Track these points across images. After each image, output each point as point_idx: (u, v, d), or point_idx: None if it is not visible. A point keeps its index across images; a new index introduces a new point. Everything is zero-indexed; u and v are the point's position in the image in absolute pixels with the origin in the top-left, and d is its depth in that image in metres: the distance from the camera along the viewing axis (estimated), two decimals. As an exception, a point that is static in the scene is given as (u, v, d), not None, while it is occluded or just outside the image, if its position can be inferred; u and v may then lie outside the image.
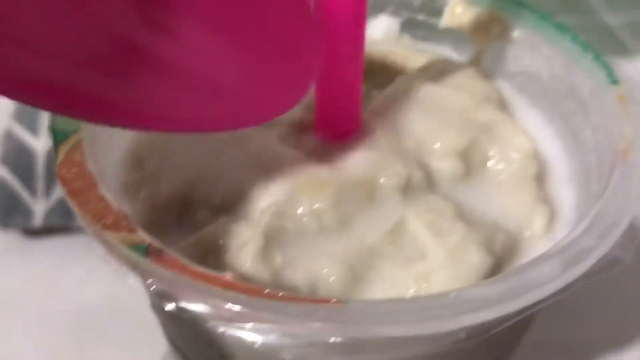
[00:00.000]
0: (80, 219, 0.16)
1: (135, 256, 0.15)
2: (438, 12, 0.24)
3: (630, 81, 0.21)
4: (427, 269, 0.17)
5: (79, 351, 0.31)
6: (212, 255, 0.17)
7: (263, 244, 0.17)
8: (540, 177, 0.21)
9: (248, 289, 0.14)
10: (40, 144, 0.36)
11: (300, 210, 0.17)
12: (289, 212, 0.17)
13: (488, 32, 0.23)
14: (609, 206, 0.16)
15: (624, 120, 0.18)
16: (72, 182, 0.16)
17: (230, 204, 0.18)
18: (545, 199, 0.20)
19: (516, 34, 0.23)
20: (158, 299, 0.15)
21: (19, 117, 0.37)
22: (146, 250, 0.15)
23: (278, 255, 0.17)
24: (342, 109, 0.19)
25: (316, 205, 0.17)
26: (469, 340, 0.14)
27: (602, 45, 0.59)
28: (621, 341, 0.31)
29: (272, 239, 0.17)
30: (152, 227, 0.18)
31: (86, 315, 0.32)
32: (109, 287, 0.35)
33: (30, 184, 0.36)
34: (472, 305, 0.14)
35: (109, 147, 0.20)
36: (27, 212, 0.36)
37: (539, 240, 0.19)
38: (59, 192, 0.34)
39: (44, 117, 0.37)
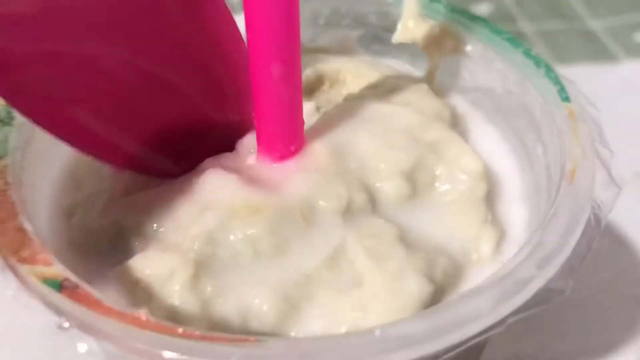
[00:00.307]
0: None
1: (48, 291, 0.14)
2: (393, 26, 0.24)
3: (587, 95, 0.20)
4: (364, 298, 0.16)
5: None
6: (140, 285, 0.16)
7: (193, 272, 0.16)
8: (492, 196, 0.20)
9: (162, 327, 0.13)
10: None
11: (232, 237, 0.16)
12: (221, 238, 0.16)
13: (441, 46, 0.22)
14: (549, 233, 0.15)
15: (572, 139, 0.18)
16: (-9, 210, 0.16)
17: (163, 232, 0.17)
18: (493, 220, 0.19)
19: (470, 48, 0.22)
20: (70, 339, 0.14)
21: None
22: (60, 285, 0.14)
23: (208, 285, 0.16)
24: (282, 129, 0.18)
25: (250, 231, 0.16)
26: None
27: (586, 50, 0.59)
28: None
29: (203, 267, 0.16)
30: (87, 251, 0.18)
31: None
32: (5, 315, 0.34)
33: None
34: (398, 344, 0.13)
35: (46, 169, 0.19)
36: None
37: (487, 263, 0.18)
38: None
39: None
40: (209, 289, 0.16)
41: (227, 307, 0.16)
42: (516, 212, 0.20)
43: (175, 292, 0.16)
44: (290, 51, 0.16)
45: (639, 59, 0.58)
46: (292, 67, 0.17)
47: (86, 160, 0.19)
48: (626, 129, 0.50)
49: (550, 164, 0.19)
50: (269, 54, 0.16)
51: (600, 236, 0.16)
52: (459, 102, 0.23)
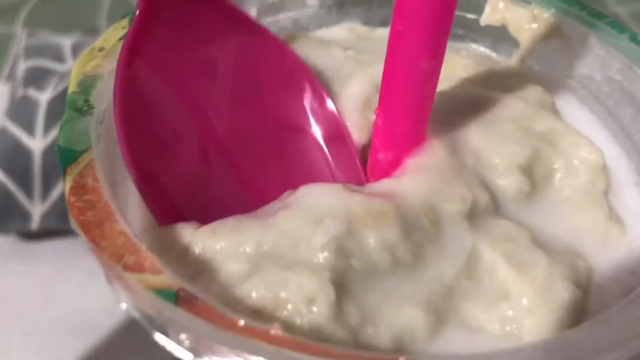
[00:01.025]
0: (96, 257, 0.14)
1: (163, 304, 0.13)
2: (475, 8, 0.22)
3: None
4: (515, 311, 0.15)
5: (79, 357, 0.31)
6: (263, 311, 0.14)
7: (334, 295, 0.14)
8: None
9: (299, 345, 0.12)
10: (36, 143, 0.36)
11: (368, 242, 0.15)
12: (353, 246, 0.15)
13: (534, 30, 0.21)
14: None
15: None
16: (85, 212, 0.14)
17: (270, 250, 0.15)
18: (617, 216, 0.18)
19: (566, 32, 0.21)
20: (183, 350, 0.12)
21: (12, 115, 0.38)
22: (176, 297, 0.13)
23: (353, 309, 0.14)
24: (413, 127, 0.17)
25: (385, 236, 0.15)
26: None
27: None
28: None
29: (342, 286, 0.15)
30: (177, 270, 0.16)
31: (87, 320, 0.33)
32: (109, 291, 0.35)
33: (26, 185, 0.36)
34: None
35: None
36: (23, 216, 0.36)
37: (617, 260, 0.17)
38: (56, 193, 0.35)
39: (40, 115, 0.38)
40: (356, 315, 0.14)
41: (379, 335, 0.14)
42: (630, 201, 0.19)
43: (321, 324, 0.14)
44: (442, 45, 0.15)
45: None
46: (440, 62, 0.15)
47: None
48: None
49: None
50: (422, 47, 0.15)
51: None
52: (553, 88, 0.22)
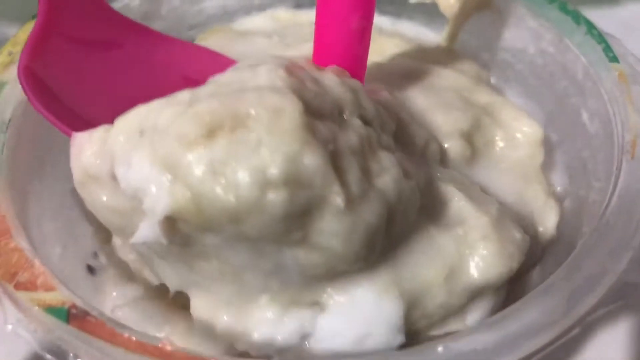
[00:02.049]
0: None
1: (54, 322, 0.12)
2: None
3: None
4: (470, 235, 0.14)
5: None
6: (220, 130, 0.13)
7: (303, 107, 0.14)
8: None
9: (191, 357, 0.11)
10: None
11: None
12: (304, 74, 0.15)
13: (462, 5, 0.20)
14: (617, 219, 0.13)
15: (628, 105, 0.16)
16: (-20, 228, 0.14)
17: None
18: (554, 193, 0.18)
19: (496, 4, 0.20)
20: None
21: None
22: (67, 314, 0.12)
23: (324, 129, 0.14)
24: None
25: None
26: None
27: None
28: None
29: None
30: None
31: None
32: None
33: None
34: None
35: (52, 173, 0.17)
36: None
37: (550, 240, 0.17)
38: None
39: None
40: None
41: None
42: (558, 182, 0.18)
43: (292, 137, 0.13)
44: (370, 3, 0.15)
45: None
46: (370, 22, 0.15)
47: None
48: None
49: (600, 132, 0.17)
50: (350, 6, 0.14)
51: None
52: (483, 63, 0.21)
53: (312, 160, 0.12)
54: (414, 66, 0.18)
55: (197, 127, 0.13)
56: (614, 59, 0.17)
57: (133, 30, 0.19)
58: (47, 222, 0.16)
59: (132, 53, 0.19)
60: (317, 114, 0.13)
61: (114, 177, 0.13)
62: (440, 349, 0.11)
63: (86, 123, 0.15)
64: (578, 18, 0.19)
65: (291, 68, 0.14)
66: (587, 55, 0.18)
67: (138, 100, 0.14)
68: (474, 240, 0.14)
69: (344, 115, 0.14)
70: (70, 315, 0.12)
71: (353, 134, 0.14)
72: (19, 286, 0.13)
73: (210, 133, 0.13)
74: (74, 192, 0.15)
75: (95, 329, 0.12)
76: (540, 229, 0.17)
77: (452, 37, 0.21)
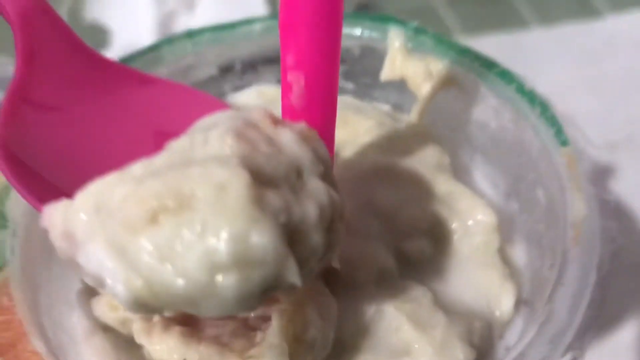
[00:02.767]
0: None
1: None
2: (380, 62, 0.23)
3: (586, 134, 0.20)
4: None
5: None
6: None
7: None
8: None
9: None
10: None
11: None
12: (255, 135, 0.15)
13: (430, 84, 0.22)
14: (559, 307, 0.15)
15: (575, 192, 0.18)
16: (1, 334, 0.16)
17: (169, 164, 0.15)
18: (512, 273, 0.20)
19: (461, 83, 0.22)
20: None
21: None
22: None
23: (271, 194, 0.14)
24: None
25: None
26: None
27: (570, 7, 0.59)
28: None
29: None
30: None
31: None
32: None
33: None
34: None
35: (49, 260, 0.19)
36: None
37: (508, 319, 0.18)
38: None
39: None
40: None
41: None
42: (518, 255, 0.20)
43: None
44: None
45: (623, 13, 0.58)
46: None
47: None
48: (617, 89, 0.50)
49: (552, 210, 0.19)
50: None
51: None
52: (451, 139, 0.23)
53: (261, 238, 0.12)
54: (380, 162, 0.20)
55: (142, 212, 0.13)
56: (565, 142, 0.19)
57: (114, 76, 0.19)
58: (57, 310, 0.18)
59: (110, 105, 0.19)
60: (268, 181, 0.13)
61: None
62: None
63: (62, 193, 0.15)
64: (534, 100, 0.20)
65: (242, 130, 0.14)
66: (541, 136, 0.20)
67: (113, 160, 0.15)
68: None
69: (302, 177, 0.14)
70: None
71: (310, 201, 0.13)
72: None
73: (154, 217, 0.13)
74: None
75: None
76: (497, 314, 0.18)
77: (422, 112, 0.22)
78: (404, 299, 0.17)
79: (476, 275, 0.19)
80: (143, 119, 0.19)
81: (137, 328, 0.17)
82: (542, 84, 0.52)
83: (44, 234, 0.18)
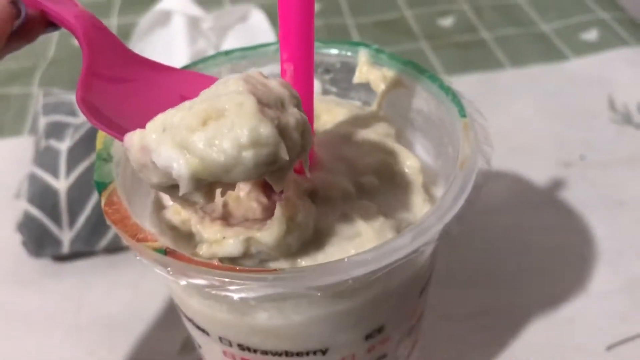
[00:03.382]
0: (122, 237, 0.26)
1: (159, 256, 0.24)
2: (353, 71, 0.34)
3: (479, 110, 0.30)
4: (362, 242, 0.26)
5: (110, 350, 0.40)
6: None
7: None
8: (428, 182, 0.31)
9: (228, 268, 0.24)
10: (61, 184, 0.43)
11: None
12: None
13: (385, 84, 0.33)
14: (447, 199, 0.26)
15: (465, 143, 0.28)
16: (114, 215, 0.26)
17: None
18: (429, 199, 0.30)
19: (405, 84, 0.33)
20: (175, 280, 0.24)
21: (39, 163, 0.45)
22: (165, 252, 0.24)
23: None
24: None
25: None
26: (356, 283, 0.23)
27: (539, 51, 0.70)
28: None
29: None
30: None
31: (112, 321, 0.41)
32: (128, 298, 0.44)
33: (56, 218, 0.43)
34: (357, 264, 0.23)
35: (137, 189, 0.30)
36: (56, 242, 0.43)
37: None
38: (80, 222, 0.43)
39: (62, 161, 0.44)
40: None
41: None
42: (439, 190, 0.31)
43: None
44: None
45: (584, 56, 0.69)
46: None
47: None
48: (574, 116, 0.60)
49: (455, 158, 0.29)
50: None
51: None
52: (400, 121, 0.33)
53: (265, 130, 0.20)
54: (349, 130, 0.31)
55: (196, 120, 0.20)
56: (463, 115, 0.29)
57: (147, 67, 0.26)
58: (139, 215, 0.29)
59: (148, 83, 0.25)
60: (265, 104, 0.21)
61: (153, 163, 0.21)
62: (346, 259, 0.23)
63: (126, 130, 0.22)
64: (448, 91, 0.31)
65: (247, 78, 0.22)
66: (450, 113, 0.30)
67: (157, 113, 0.22)
68: (363, 244, 0.25)
69: (284, 105, 0.22)
70: (167, 252, 0.24)
71: (290, 116, 0.21)
72: (138, 240, 0.25)
73: (204, 122, 0.20)
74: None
75: (179, 257, 0.24)
76: (418, 218, 0.28)
77: (379, 104, 0.33)
78: (357, 207, 0.28)
79: (407, 199, 0.29)
80: (174, 88, 0.26)
81: (194, 222, 0.28)
82: (512, 113, 0.62)
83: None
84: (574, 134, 0.59)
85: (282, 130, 0.21)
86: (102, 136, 0.29)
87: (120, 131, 0.23)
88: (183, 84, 0.26)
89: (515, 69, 0.67)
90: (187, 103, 0.21)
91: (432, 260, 0.30)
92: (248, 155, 0.20)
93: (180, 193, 0.21)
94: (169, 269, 0.24)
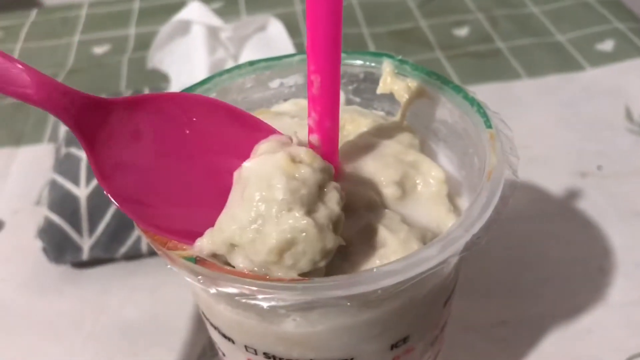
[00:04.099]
0: (152, 246, 0.26)
1: (189, 263, 0.25)
2: (377, 82, 0.34)
3: (504, 120, 0.31)
4: (387, 253, 0.26)
5: (129, 356, 0.40)
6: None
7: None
8: (452, 193, 0.31)
9: (258, 277, 0.24)
10: (81, 191, 0.44)
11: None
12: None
13: (409, 94, 0.33)
14: (474, 210, 0.26)
15: (491, 153, 0.28)
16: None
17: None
18: (455, 209, 0.30)
19: (429, 94, 0.33)
20: (206, 288, 0.24)
21: (60, 170, 0.46)
22: (195, 260, 0.25)
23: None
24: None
25: None
26: (384, 293, 0.23)
27: (555, 62, 0.70)
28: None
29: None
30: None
31: (131, 327, 0.42)
32: (147, 304, 0.45)
33: (76, 225, 0.43)
34: (385, 275, 0.24)
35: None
36: (75, 249, 0.44)
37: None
38: (100, 229, 0.44)
39: (82, 168, 0.45)
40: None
41: None
42: (463, 200, 0.31)
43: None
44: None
45: (601, 66, 0.69)
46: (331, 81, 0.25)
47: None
48: (590, 126, 0.60)
49: (481, 168, 0.29)
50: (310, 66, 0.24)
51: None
52: (423, 132, 0.34)
53: (329, 243, 0.24)
54: (372, 140, 0.31)
55: (273, 256, 0.23)
56: (489, 126, 0.30)
57: (156, 108, 0.23)
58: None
59: (165, 130, 0.23)
60: (313, 202, 0.24)
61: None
62: (375, 270, 0.24)
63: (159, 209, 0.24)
64: (473, 102, 0.31)
65: (289, 170, 0.24)
66: (476, 125, 0.30)
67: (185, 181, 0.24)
68: (388, 254, 0.25)
69: (324, 189, 0.25)
70: (197, 260, 0.25)
71: (331, 204, 0.25)
72: (169, 248, 0.25)
73: (280, 255, 0.23)
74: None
75: (208, 265, 0.24)
76: (444, 230, 0.28)
77: (403, 114, 0.33)
78: (382, 216, 0.28)
79: (431, 210, 0.29)
80: (193, 141, 0.25)
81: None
82: (527, 123, 0.62)
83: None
84: (590, 145, 0.59)
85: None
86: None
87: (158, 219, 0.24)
88: (212, 128, 0.25)
89: (530, 79, 0.67)
90: (250, 215, 0.24)
91: (457, 271, 0.30)
92: (322, 263, 0.24)
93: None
94: (199, 277, 0.24)
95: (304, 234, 0.23)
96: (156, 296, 0.45)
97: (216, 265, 0.24)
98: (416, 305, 0.27)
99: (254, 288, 0.23)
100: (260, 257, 0.23)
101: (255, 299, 0.23)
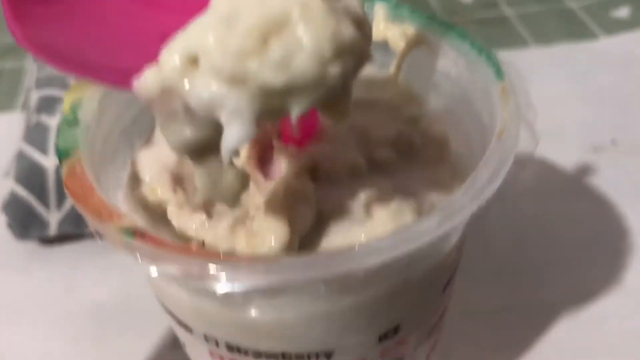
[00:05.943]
0: (83, 216, 0.21)
1: (125, 238, 0.20)
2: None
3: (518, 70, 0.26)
4: (374, 226, 0.22)
5: (98, 339, 0.37)
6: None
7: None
8: (456, 156, 0.26)
9: (210, 254, 0.19)
10: (49, 162, 0.41)
11: None
12: None
13: (407, 42, 0.28)
14: (481, 176, 0.21)
15: (503, 108, 0.24)
16: (76, 189, 0.22)
17: None
18: (458, 175, 0.25)
19: (429, 42, 0.28)
20: (146, 267, 0.20)
21: (28, 139, 0.42)
22: (133, 233, 0.20)
23: None
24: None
25: None
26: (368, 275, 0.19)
27: (566, 29, 0.65)
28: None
29: None
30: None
31: (101, 309, 0.39)
32: (118, 285, 0.41)
33: (43, 198, 0.40)
34: (371, 252, 0.19)
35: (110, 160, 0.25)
36: (42, 224, 0.41)
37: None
38: (69, 203, 0.40)
39: (52, 138, 0.42)
40: None
41: None
42: (469, 165, 0.26)
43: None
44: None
45: (615, 34, 0.65)
46: None
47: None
48: (604, 98, 0.57)
49: (491, 125, 0.24)
50: None
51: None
52: (423, 84, 0.29)
53: (347, 30, 0.16)
54: (362, 96, 0.26)
55: (251, 40, 0.15)
56: (501, 78, 0.25)
57: None
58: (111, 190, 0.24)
59: None
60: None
61: (186, 109, 0.16)
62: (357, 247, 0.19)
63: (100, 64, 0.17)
64: (481, 50, 0.26)
65: None
66: (485, 76, 0.25)
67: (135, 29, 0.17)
68: (376, 227, 0.22)
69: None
70: (135, 233, 0.20)
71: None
72: (102, 219, 0.21)
73: (264, 40, 0.15)
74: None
75: (149, 239, 0.20)
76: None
77: (399, 65, 0.29)
78: (368, 185, 0.23)
79: (431, 176, 0.25)
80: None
81: (170, 210, 0.23)
82: (537, 95, 0.58)
83: (106, 132, 0.25)
84: (604, 117, 0.55)
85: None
86: (70, 96, 0.25)
87: (95, 69, 0.17)
88: None
89: (539, 47, 0.64)
90: (209, 15, 0.16)
91: (460, 249, 0.25)
92: (335, 70, 0.16)
93: (226, 147, 0.16)
94: (137, 253, 0.19)
95: (303, 4, 0.15)
96: (129, 277, 0.41)
97: (157, 238, 0.20)
98: (409, 290, 0.23)
99: (205, 268, 0.19)
100: (233, 49, 0.15)
101: (207, 281, 0.19)
